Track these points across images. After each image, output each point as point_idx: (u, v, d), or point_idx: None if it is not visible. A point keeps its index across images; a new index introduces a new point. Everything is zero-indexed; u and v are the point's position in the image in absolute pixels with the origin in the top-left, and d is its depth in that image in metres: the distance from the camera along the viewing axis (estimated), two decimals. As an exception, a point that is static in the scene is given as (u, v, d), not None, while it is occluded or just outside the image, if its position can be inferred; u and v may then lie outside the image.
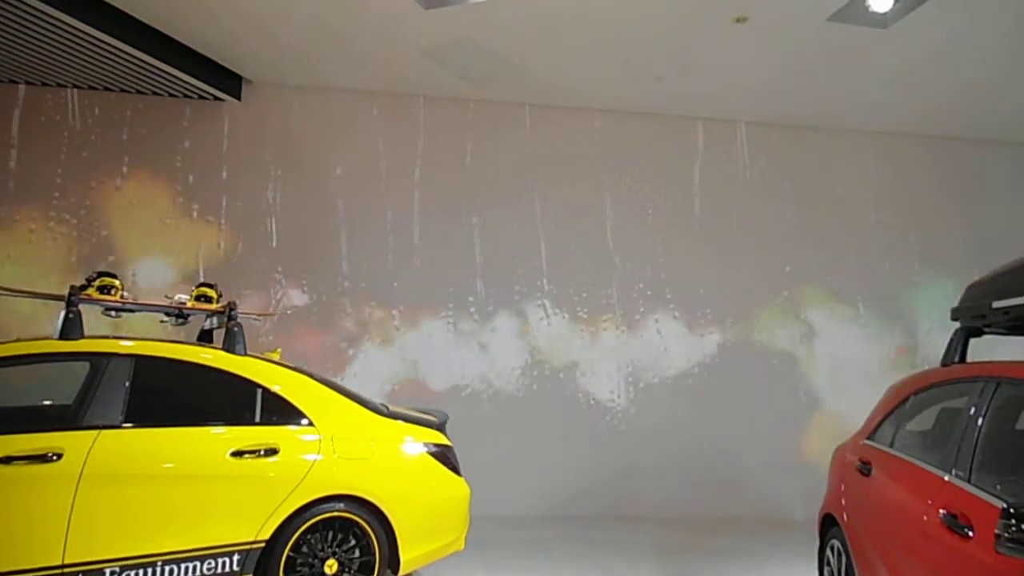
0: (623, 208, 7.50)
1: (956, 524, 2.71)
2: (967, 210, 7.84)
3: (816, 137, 7.75)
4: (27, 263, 6.67)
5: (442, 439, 4.66)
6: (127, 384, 3.95)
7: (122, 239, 6.90)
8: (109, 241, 6.86)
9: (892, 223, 7.78)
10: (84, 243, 6.82)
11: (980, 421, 2.96)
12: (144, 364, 4.05)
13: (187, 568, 3.83)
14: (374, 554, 4.21)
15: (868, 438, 4.06)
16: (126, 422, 3.88)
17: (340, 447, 4.24)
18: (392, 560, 4.28)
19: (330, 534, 4.15)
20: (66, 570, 3.58)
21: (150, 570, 3.75)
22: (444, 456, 4.58)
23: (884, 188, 7.81)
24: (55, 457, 3.62)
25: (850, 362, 7.51)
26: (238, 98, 7.17)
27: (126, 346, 4.10)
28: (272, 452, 4.09)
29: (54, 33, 5.71)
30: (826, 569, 4.16)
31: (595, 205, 7.48)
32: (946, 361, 3.71)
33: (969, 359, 3.62)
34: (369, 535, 4.20)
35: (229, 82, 7.03)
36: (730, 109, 7.43)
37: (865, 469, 3.83)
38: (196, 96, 7.08)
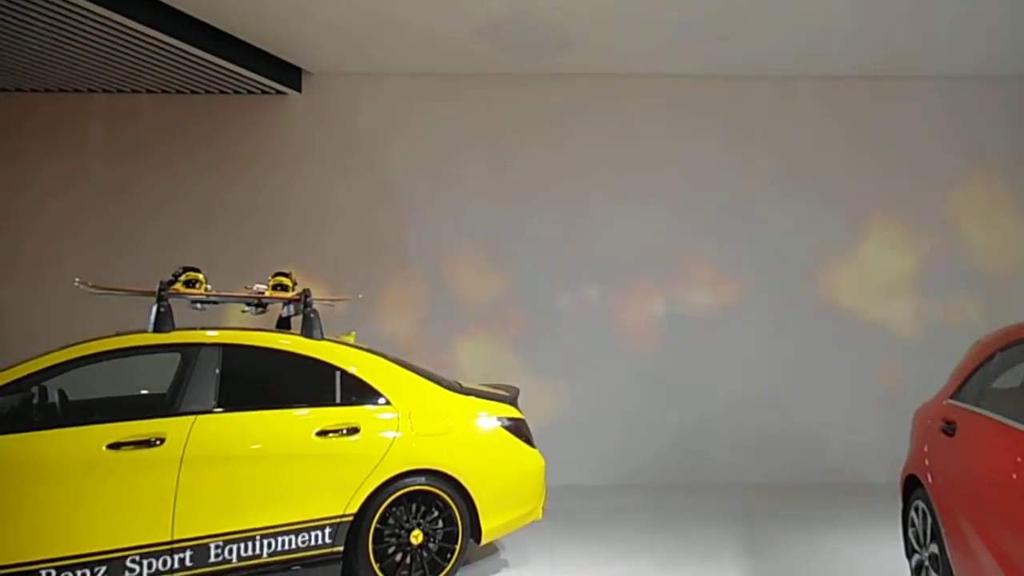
0: (686, 172, 7.36)
1: (1048, 482, 2.64)
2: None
3: (885, 86, 7.39)
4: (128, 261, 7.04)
5: (515, 412, 4.77)
6: (217, 371, 4.19)
7: (204, 235, 7.22)
8: (197, 238, 7.19)
9: (968, 167, 7.35)
10: (179, 241, 7.17)
11: (1072, 375, 2.85)
12: (231, 352, 4.29)
13: (284, 541, 4.07)
14: (457, 524, 4.37)
15: (952, 397, 3.95)
16: (218, 407, 4.12)
17: (418, 424, 4.40)
18: (474, 530, 4.44)
19: (414, 506, 4.33)
20: (175, 545, 3.86)
21: (251, 543, 4.00)
22: (518, 429, 4.70)
23: (958, 133, 7.37)
24: (158, 442, 3.89)
25: (929, 316, 7.22)
26: (299, 90, 7.37)
27: (213, 336, 4.34)
28: (354, 431, 4.27)
29: (122, 39, 5.97)
30: (911, 530, 4.09)
31: (659, 172, 7.37)
32: (1034, 314, 3.56)
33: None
34: (451, 507, 4.37)
35: (289, 75, 7.23)
36: (794, 64, 7.13)
37: (949, 429, 3.74)
38: (259, 91, 7.31)
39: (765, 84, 7.35)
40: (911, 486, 4.12)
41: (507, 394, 4.92)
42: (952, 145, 7.35)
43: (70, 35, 5.87)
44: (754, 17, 6.06)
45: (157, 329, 4.24)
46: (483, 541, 4.51)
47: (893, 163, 7.35)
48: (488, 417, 4.65)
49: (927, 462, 3.92)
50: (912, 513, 4.07)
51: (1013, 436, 3.07)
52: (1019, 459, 2.89)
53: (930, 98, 7.38)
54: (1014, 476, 2.88)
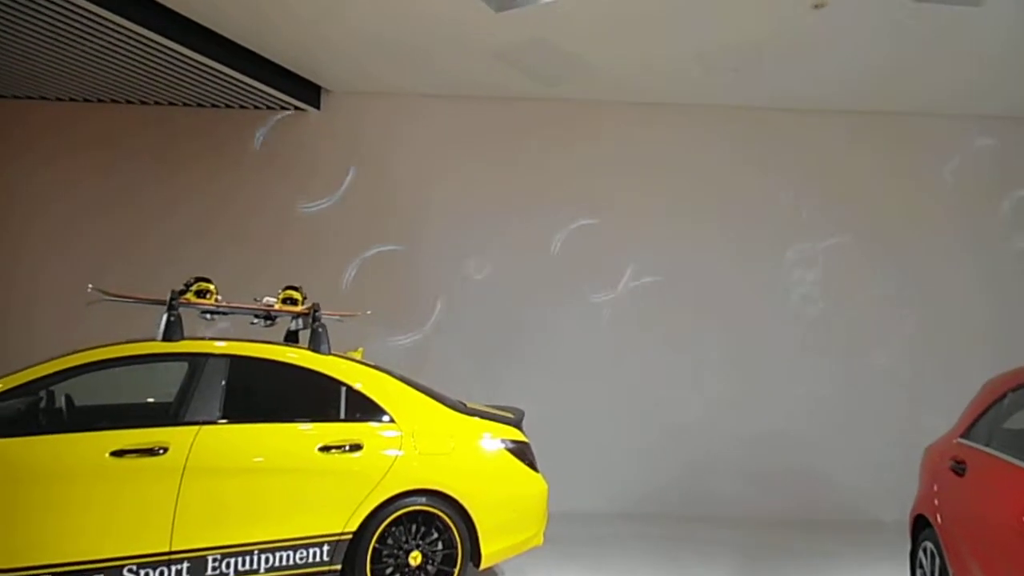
0: (698, 204, 7.37)
1: (1059, 526, 2.59)
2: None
3: (909, 123, 7.38)
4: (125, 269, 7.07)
5: (519, 435, 4.73)
6: (223, 382, 4.19)
7: (227, 249, 7.22)
8: (211, 249, 7.19)
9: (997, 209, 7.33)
10: (182, 252, 7.20)
11: (1085, 418, 2.80)
12: (238, 363, 4.30)
13: (281, 557, 4.03)
14: (456, 547, 4.32)
15: (962, 436, 3.90)
16: (223, 418, 4.12)
17: (421, 443, 4.37)
18: (474, 554, 4.38)
19: (414, 527, 4.28)
20: (173, 556, 3.84)
21: (248, 558, 3.97)
22: (522, 452, 4.66)
23: (991, 172, 7.35)
24: (162, 451, 3.89)
25: (941, 352, 7.13)
26: (317, 107, 7.45)
27: (221, 347, 4.35)
28: (356, 448, 4.25)
29: (148, 53, 6.06)
30: (919, 572, 4.01)
31: (671, 201, 7.37)
32: (1048, 355, 3.52)
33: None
34: (451, 529, 4.32)
35: (308, 92, 7.30)
36: (812, 99, 7.14)
37: (959, 468, 3.68)
38: (278, 107, 7.40)
39: (780, 115, 7.37)
40: (919, 526, 4.05)
41: (512, 416, 4.88)
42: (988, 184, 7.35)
43: (97, 46, 5.95)
44: (769, 51, 6.10)
45: (166, 338, 4.26)
46: (482, 566, 4.45)
47: (913, 202, 7.34)
48: (492, 439, 4.62)
49: (936, 502, 3.85)
50: (920, 554, 4.00)
51: (1023, 477, 3.02)
52: (1030, 502, 2.84)
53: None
54: (1024, 519, 2.83)
